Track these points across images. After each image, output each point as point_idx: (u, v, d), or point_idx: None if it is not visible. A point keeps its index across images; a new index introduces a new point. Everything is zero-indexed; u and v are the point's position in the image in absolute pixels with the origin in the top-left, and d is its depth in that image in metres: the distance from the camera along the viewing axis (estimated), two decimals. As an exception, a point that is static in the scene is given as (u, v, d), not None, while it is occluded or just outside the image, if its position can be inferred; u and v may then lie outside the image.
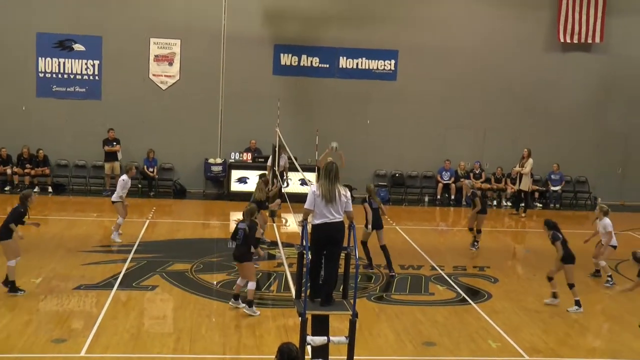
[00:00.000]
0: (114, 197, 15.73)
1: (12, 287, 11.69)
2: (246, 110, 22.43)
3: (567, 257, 12.24)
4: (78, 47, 22.19)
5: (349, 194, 8.38)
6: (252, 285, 11.28)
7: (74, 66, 22.24)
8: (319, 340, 7.83)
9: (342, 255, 8.38)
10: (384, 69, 23.29)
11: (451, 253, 16.09)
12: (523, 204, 21.52)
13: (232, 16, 22.26)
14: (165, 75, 22.60)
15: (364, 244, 14.02)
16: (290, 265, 13.78)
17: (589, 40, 23.53)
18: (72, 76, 22.27)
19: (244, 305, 11.46)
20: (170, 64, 22.56)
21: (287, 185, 20.51)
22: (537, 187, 23.31)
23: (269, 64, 22.87)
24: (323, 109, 22.83)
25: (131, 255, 14.51)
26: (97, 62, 22.30)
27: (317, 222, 8.18)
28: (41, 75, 22.16)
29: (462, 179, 22.97)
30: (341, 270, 8.42)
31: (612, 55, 23.73)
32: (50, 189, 21.76)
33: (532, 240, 18.45)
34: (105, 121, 21.92)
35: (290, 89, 22.73)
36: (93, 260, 14.10)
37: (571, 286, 12.25)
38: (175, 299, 12.07)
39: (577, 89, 23.81)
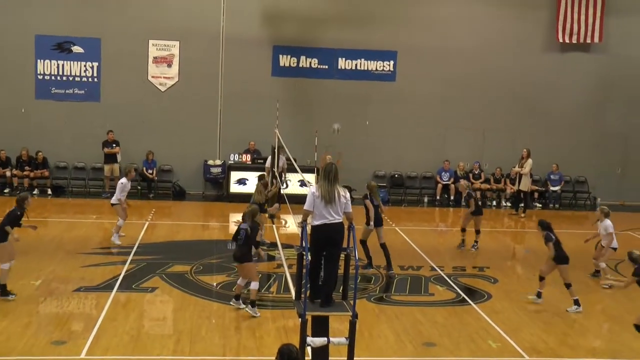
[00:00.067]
0: (113, 200, 15.73)
1: (2, 290, 11.57)
2: (245, 112, 22.43)
3: (561, 258, 12.25)
4: (77, 49, 22.19)
5: (348, 195, 8.38)
6: (255, 285, 11.28)
7: (73, 68, 22.25)
8: (319, 341, 7.82)
9: (342, 256, 8.38)
10: (383, 69, 23.30)
11: (451, 253, 16.09)
12: (522, 204, 21.53)
13: (230, 17, 22.28)
14: (164, 77, 22.60)
15: (364, 242, 14.02)
16: (289, 267, 13.77)
17: (588, 41, 23.55)
18: (71, 78, 22.28)
19: (244, 305, 11.48)
20: (169, 65, 22.56)
21: (286, 186, 20.53)
22: (537, 188, 23.33)
23: (268, 65, 22.88)
24: (322, 110, 22.82)
25: (131, 257, 14.50)
26: (96, 64, 22.31)
27: (316, 223, 8.18)
28: (40, 77, 22.16)
29: (461, 179, 22.97)
30: (341, 271, 8.42)
31: (611, 55, 23.74)
32: (49, 191, 21.75)
33: (532, 241, 18.43)
34: (104, 123, 21.93)
35: (289, 90, 22.74)
36: (93, 262, 14.09)
37: (568, 286, 12.27)
38: (175, 301, 12.06)
39: (576, 89, 23.83)
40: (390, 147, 23.36)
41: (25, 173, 21.61)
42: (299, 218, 8.48)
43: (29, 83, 22.08)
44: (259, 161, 21.65)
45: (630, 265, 10.46)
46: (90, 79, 22.36)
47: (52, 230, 17.11)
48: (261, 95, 22.19)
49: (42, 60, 22.10)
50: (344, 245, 8.29)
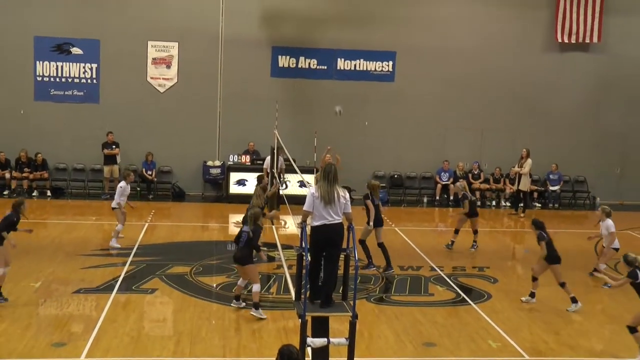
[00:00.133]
0: (113, 204, 15.68)
1: None
2: (244, 113, 22.44)
3: (553, 258, 12.29)
4: (76, 50, 22.19)
5: (347, 195, 8.39)
6: (256, 288, 11.26)
7: (72, 69, 22.24)
8: (319, 342, 7.83)
9: (342, 256, 8.39)
10: (381, 70, 23.30)
11: (450, 253, 16.08)
12: (522, 204, 21.53)
13: (229, 18, 22.29)
14: (163, 78, 22.60)
15: (363, 242, 13.99)
16: (289, 267, 13.76)
17: (587, 40, 23.57)
18: (70, 80, 22.27)
19: (244, 304, 11.49)
20: (168, 66, 22.57)
21: (286, 187, 20.54)
22: (536, 187, 23.34)
23: (267, 66, 22.88)
24: (321, 110, 22.80)
25: (130, 259, 14.50)
26: (95, 66, 22.30)
27: (316, 223, 8.19)
28: (39, 78, 22.16)
29: (460, 179, 22.97)
30: (340, 271, 8.43)
31: (610, 55, 23.76)
32: (48, 193, 21.74)
33: (531, 241, 18.25)
34: (103, 124, 21.93)
35: (289, 90, 22.75)
36: (92, 263, 14.09)
37: (562, 285, 12.30)
38: (175, 302, 12.06)
39: (576, 89, 23.84)
40: (390, 148, 23.37)
41: (24, 175, 21.60)
42: (299, 219, 8.47)
43: (28, 84, 22.08)
44: (258, 162, 21.65)
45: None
46: (89, 81, 22.36)
47: (51, 231, 17.11)
48: (260, 96, 22.20)
49: (41, 62, 22.10)
50: (344, 245, 8.29)
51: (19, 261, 13.14)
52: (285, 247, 15.79)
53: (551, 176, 23.57)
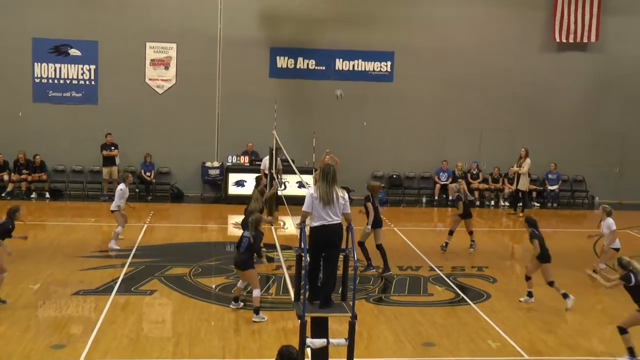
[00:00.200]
0: (113, 206, 15.65)
1: None
2: (243, 114, 22.44)
3: (544, 257, 12.33)
4: (74, 52, 22.18)
5: (346, 196, 8.39)
6: (256, 293, 11.24)
7: (70, 71, 22.24)
8: (319, 342, 7.83)
9: (341, 257, 8.38)
10: (380, 70, 23.31)
11: (449, 253, 16.07)
12: (521, 204, 21.53)
13: (227, 19, 22.29)
14: (161, 80, 22.60)
15: (362, 244, 13.95)
16: (288, 268, 13.76)
17: (585, 40, 23.58)
18: (68, 81, 22.27)
19: (242, 304, 11.52)
20: (167, 68, 22.56)
21: (284, 187, 20.52)
22: (535, 187, 23.35)
23: (265, 66, 22.88)
24: (320, 111, 22.84)
25: (129, 260, 14.49)
26: (93, 67, 22.30)
27: (315, 224, 8.19)
28: (37, 80, 22.15)
29: (459, 179, 22.98)
30: (340, 272, 8.42)
31: (608, 54, 23.78)
32: (47, 195, 21.72)
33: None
34: (102, 126, 21.91)
35: (287, 91, 22.75)
36: (91, 265, 14.08)
37: (551, 284, 12.35)
38: (174, 303, 12.05)
39: (574, 89, 23.86)
40: (388, 148, 23.38)
41: (22, 177, 21.58)
42: (298, 219, 8.47)
43: (26, 86, 22.07)
44: (257, 163, 21.64)
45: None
46: (87, 82, 22.35)
47: (50, 233, 17.10)
48: (259, 97, 22.20)
49: (39, 64, 22.08)
50: (343, 246, 8.29)
51: (17, 263, 13.14)
52: (284, 247, 15.80)
53: (550, 176, 23.58)
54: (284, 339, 10.08)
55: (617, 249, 13.77)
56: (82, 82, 22.32)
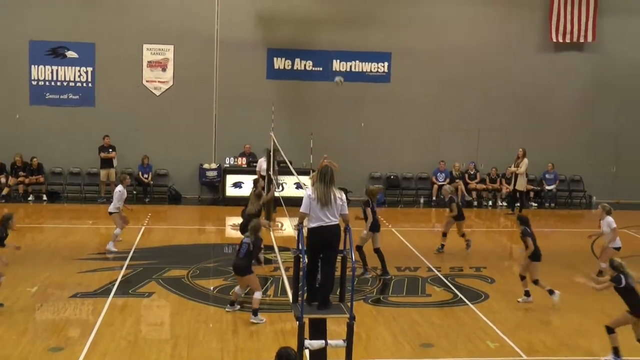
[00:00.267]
0: (111, 209, 15.62)
1: None
2: (240, 115, 22.42)
3: (535, 255, 12.40)
4: (71, 54, 22.16)
5: (344, 197, 8.39)
6: (258, 295, 11.25)
7: (67, 73, 22.22)
8: (317, 344, 7.82)
9: (339, 258, 8.37)
10: (377, 71, 23.32)
11: (447, 254, 16.06)
12: (518, 204, 21.53)
13: (224, 21, 22.27)
14: (159, 81, 22.58)
15: (360, 248, 13.82)
16: (286, 270, 13.75)
17: (581, 40, 23.61)
18: (65, 83, 22.24)
19: (239, 307, 11.52)
20: (164, 69, 22.55)
21: (282, 189, 20.52)
22: (532, 187, 23.36)
23: (263, 68, 22.88)
24: (317, 112, 22.84)
25: (127, 262, 14.47)
26: (90, 69, 22.28)
27: (312, 225, 8.18)
28: (34, 83, 22.12)
29: (457, 180, 23.01)
30: (338, 273, 8.41)
31: (604, 54, 23.81)
32: (44, 197, 21.69)
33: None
34: (99, 128, 21.88)
35: (284, 92, 22.74)
36: (89, 267, 14.06)
37: (536, 282, 12.42)
38: (172, 305, 12.04)
39: (570, 89, 23.88)
40: (386, 149, 23.38)
41: (20, 179, 21.54)
42: (295, 221, 8.47)
43: (23, 89, 22.04)
44: (254, 164, 21.59)
45: (628, 265, 10.43)
46: (84, 84, 22.33)
47: (47, 236, 17.08)
48: (256, 98, 22.20)
49: (36, 66, 22.07)
50: (341, 247, 8.29)
51: (15, 266, 13.11)
52: (282, 249, 15.80)
53: (547, 175, 23.60)
54: (282, 341, 10.07)
55: (618, 248, 13.74)
56: (79, 84, 22.30)
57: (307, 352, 7.95)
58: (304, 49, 22.91)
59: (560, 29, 23.50)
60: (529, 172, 22.11)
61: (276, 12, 22.48)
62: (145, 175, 22.24)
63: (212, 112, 22.69)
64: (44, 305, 11.79)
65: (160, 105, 22.54)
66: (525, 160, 21.14)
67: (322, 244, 8.20)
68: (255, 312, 11.15)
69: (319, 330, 8.09)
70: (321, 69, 23.09)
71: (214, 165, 22.42)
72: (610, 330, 9.95)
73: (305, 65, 23.05)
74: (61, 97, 22.25)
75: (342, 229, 8.23)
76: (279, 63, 22.95)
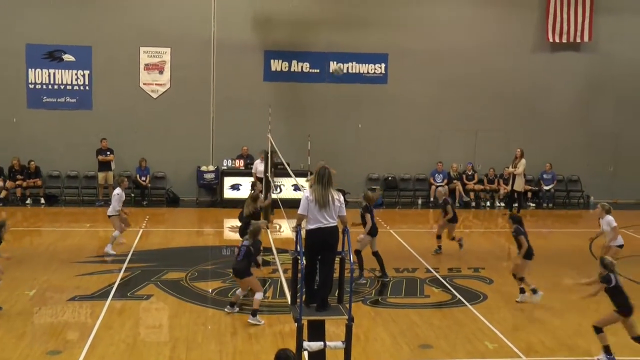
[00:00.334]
0: (110, 211, 15.60)
1: None
2: (238, 117, 22.42)
3: (527, 254, 12.47)
4: (68, 57, 22.16)
5: (342, 198, 8.39)
6: (258, 296, 11.26)
7: (64, 77, 22.21)
8: (316, 345, 7.82)
9: (337, 259, 8.37)
10: (374, 72, 23.33)
11: (446, 255, 16.06)
12: (516, 204, 21.55)
13: (221, 23, 22.26)
14: (156, 84, 22.58)
15: (359, 253, 13.69)
16: (285, 271, 13.75)
17: (578, 40, 23.65)
18: (62, 87, 22.24)
19: (237, 309, 11.52)
20: (161, 72, 22.55)
21: (280, 190, 20.53)
22: (530, 187, 23.37)
23: (260, 70, 22.89)
24: (315, 113, 22.86)
25: (125, 265, 14.46)
26: (87, 72, 22.27)
27: (311, 227, 8.18)
28: (31, 86, 22.12)
29: (455, 180, 23.03)
30: (336, 275, 8.41)
31: (601, 53, 23.84)
32: (42, 200, 21.67)
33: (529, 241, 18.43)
34: (96, 131, 21.89)
35: (282, 94, 22.74)
36: (87, 270, 14.05)
37: (522, 279, 12.53)
38: (170, 308, 12.03)
39: (567, 89, 23.91)
40: (383, 150, 23.39)
41: (17, 182, 21.52)
42: (294, 222, 8.47)
43: (20, 92, 22.03)
44: (252, 166, 21.62)
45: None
46: (82, 87, 22.32)
47: (45, 239, 17.07)
48: (253, 101, 22.20)
49: (33, 69, 22.06)
50: (339, 248, 8.29)
51: (13, 270, 13.11)
52: (280, 251, 15.80)
53: (545, 176, 23.62)
54: (281, 343, 10.06)
55: (620, 246, 13.74)
56: (76, 87, 22.29)
57: (305, 353, 7.95)
58: (300, 51, 22.93)
59: (556, 29, 23.54)
60: (527, 172, 22.11)
61: (273, 14, 22.49)
62: (143, 178, 22.23)
63: (210, 115, 22.68)
64: (43, 308, 11.77)
65: (157, 108, 22.54)
66: (523, 161, 21.14)
67: (320, 245, 8.21)
68: (254, 313, 11.15)
69: (317, 331, 8.09)
70: (318, 70, 23.10)
71: (211, 168, 22.41)
72: (598, 330, 9.97)
73: (302, 67, 23.05)
74: (58, 100, 22.24)
75: (340, 230, 8.23)
76: (276, 65, 22.96)
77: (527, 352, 10.28)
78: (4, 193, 21.26)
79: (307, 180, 16.03)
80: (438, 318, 11.77)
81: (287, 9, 22.42)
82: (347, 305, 8.02)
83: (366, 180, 23.26)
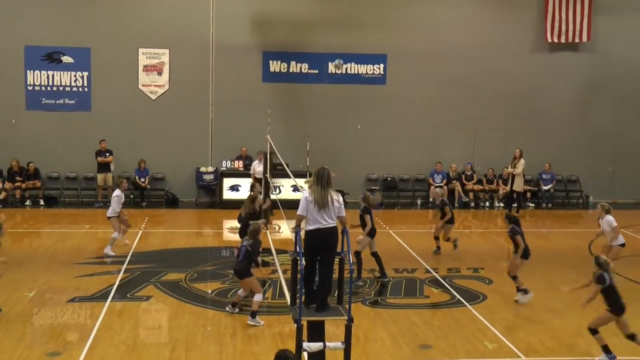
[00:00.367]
0: (110, 213, 15.59)
1: None
2: (236, 118, 22.41)
3: (524, 253, 12.49)
4: (66, 59, 22.15)
5: (341, 199, 8.40)
6: (258, 297, 11.26)
7: (63, 78, 22.20)
8: (315, 346, 7.82)
9: (336, 260, 8.37)
10: (373, 73, 23.33)
11: (445, 255, 16.06)
12: (516, 205, 21.54)
13: (220, 24, 22.25)
14: (154, 85, 22.57)
15: (359, 254, 13.68)
16: (284, 272, 13.75)
17: (577, 40, 23.65)
18: (61, 88, 22.22)
19: (238, 310, 11.52)
20: (160, 73, 22.54)
21: (279, 191, 20.52)
22: (529, 187, 23.37)
23: (259, 71, 22.88)
24: (314, 114, 22.85)
25: (125, 266, 14.45)
26: (86, 74, 22.26)
27: (310, 228, 8.18)
28: (30, 88, 22.10)
29: (454, 181, 23.04)
30: (335, 275, 8.41)
31: (599, 53, 23.84)
32: (41, 202, 21.66)
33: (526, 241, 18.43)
34: (95, 132, 21.88)
35: (280, 95, 22.74)
36: (87, 272, 14.04)
37: (515, 278, 12.55)
38: (170, 309, 12.03)
39: (566, 89, 23.91)
40: (383, 150, 23.38)
41: (16, 184, 21.51)
42: (293, 223, 8.47)
43: (19, 94, 22.02)
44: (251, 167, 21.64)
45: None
46: (80, 89, 22.31)
47: (45, 241, 17.06)
48: (252, 102, 22.19)
49: (32, 71, 22.04)
50: (338, 249, 8.29)
51: (12, 271, 13.11)
52: (279, 251, 15.80)
53: (544, 176, 23.62)
54: (281, 344, 10.06)
55: (622, 245, 13.75)
56: (75, 89, 22.28)
57: (305, 354, 7.96)
58: (299, 52, 22.92)
59: (555, 29, 23.55)
60: (526, 172, 22.11)
61: (271, 16, 22.48)
62: (142, 179, 22.22)
63: (209, 116, 22.68)
64: (42, 310, 11.77)
65: (156, 109, 22.53)
66: (522, 161, 21.14)
67: (319, 246, 8.21)
68: (253, 314, 11.16)
69: (317, 332, 8.10)
70: (317, 71, 23.09)
71: (210, 169, 22.41)
72: (593, 331, 9.98)
73: (300, 67, 23.05)
74: (57, 102, 22.23)
75: (339, 231, 8.23)
76: (275, 66, 22.96)
77: (527, 352, 10.28)
78: (3, 194, 21.24)
79: (306, 182, 16.02)
80: (438, 318, 11.77)
81: (285, 9, 22.42)
82: (347, 306, 8.02)
83: (365, 180, 23.26)
